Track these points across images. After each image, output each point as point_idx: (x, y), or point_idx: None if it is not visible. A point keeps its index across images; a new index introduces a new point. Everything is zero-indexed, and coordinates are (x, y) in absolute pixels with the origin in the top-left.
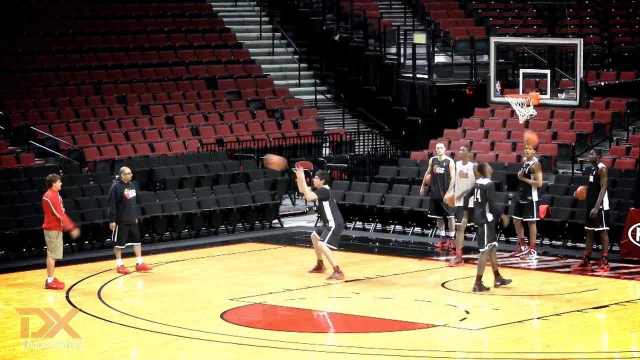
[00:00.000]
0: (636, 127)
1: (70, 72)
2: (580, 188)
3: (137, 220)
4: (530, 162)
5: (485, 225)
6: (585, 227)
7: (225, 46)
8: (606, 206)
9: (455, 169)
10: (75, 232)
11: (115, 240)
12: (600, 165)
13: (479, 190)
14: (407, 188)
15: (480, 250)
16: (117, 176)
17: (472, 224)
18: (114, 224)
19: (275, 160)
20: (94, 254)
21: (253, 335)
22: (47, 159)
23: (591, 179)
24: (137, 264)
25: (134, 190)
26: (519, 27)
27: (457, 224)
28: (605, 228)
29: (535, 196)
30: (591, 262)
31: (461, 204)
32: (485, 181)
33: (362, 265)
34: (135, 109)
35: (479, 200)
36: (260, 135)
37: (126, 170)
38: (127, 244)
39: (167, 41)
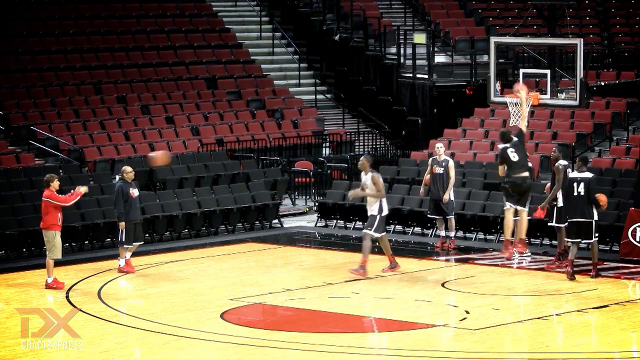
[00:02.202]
0: (636, 127)
1: (70, 72)
2: (547, 185)
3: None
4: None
5: (594, 219)
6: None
7: (225, 46)
8: (560, 202)
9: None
10: (84, 189)
11: (123, 239)
12: (557, 162)
13: (581, 184)
14: (407, 188)
15: (592, 240)
16: (117, 176)
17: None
18: (123, 223)
19: (159, 156)
20: (94, 254)
21: (253, 335)
22: (47, 159)
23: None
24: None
25: (137, 190)
26: (519, 27)
27: (373, 233)
28: (555, 224)
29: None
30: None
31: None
32: (588, 174)
33: None
34: (135, 109)
35: (581, 194)
36: (260, 135)
37: (128, 169)
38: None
39: (167, 41)
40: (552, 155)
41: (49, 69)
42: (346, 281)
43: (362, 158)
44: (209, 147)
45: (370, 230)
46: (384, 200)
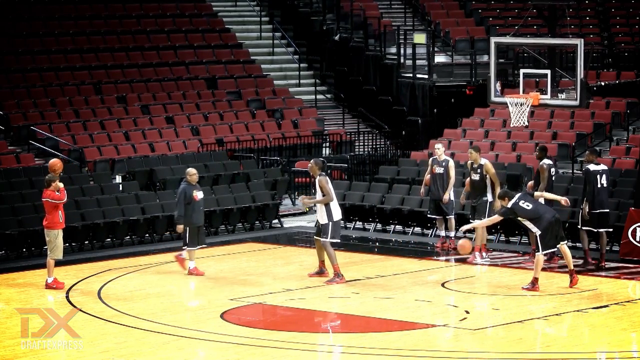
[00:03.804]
0: (636, 127)
1: (70, 72)
2: (530, 183)
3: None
4: (482, 163)
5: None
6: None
7: (225, 46)
8: (489, 197)
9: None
10: (58, 167)
11: (188, 242)
12: (542, 162)
13: (603, 175)
14: (407, 188)
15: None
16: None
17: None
18: (181, 226)
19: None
20: (94, 254)
21: (253, 335)
22: (47, 159)
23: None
24: (189, 267)
25: (202, 192)
26: (519, 27)
27: (331, 240)
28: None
29: (489, 196)
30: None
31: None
32: (604, 165)
33: (362, 265)
34: (135, 109)
35: (604, 185)
36: (260, 135)
37: (192, 171)
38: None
39: (167, 41)
40: (536, 155)
41: (49, 69)
42: (346, 281)
43: (311, 161)
44: (209, 147)
45: (327, 238)
46: (333, 205)
